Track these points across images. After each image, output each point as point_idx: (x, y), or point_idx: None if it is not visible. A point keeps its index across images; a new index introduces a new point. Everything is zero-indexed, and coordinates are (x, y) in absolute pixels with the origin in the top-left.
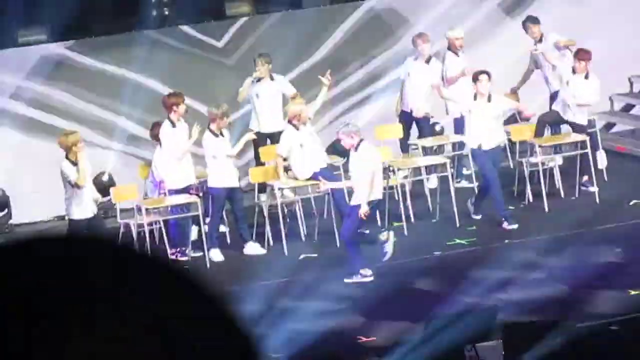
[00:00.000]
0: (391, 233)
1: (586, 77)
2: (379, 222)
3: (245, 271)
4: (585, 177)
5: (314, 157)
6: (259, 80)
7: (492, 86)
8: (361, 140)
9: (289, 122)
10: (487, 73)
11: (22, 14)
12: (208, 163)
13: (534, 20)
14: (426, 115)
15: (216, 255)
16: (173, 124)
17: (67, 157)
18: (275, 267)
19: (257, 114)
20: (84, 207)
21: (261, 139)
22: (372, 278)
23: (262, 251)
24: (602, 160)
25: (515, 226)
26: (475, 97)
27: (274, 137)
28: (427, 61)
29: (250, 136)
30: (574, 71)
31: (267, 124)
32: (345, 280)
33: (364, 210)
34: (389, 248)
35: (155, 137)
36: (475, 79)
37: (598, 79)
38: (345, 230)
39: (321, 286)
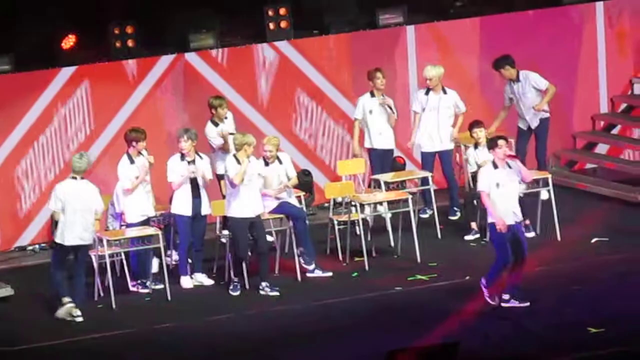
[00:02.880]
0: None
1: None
2: None
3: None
4: (527, 221)
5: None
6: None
7: None
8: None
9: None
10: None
11: None
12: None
13: (508, 62)
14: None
15: (186, 282)
16: (131, 160)
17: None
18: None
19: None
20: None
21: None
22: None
23: (209, 282)
24: (544, 194)
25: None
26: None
27: None
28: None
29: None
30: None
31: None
32: None
33: None
34: None
35: None
36: (494, 145)
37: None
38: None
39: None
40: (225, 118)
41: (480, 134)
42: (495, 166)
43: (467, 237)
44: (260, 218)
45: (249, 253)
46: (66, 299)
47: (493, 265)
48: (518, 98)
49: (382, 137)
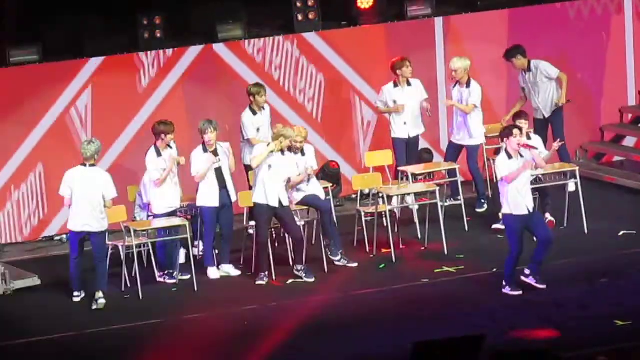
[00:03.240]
0: None
1: (528, 137)
2: None
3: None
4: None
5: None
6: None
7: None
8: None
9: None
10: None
11: (14, 33)
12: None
13: (520, 52)
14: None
15: (213, 273)
16: (158, 152)
17: None
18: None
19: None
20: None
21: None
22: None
23: (236, 272)
24: (571, 186)
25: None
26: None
27: None
28: (409, 84)
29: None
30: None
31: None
32: None
33: None
34: None
35: None
36: (508, 134)
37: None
38: None
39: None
40: (263, 108)
41: (525, 126)
42: (509, 156)
43: (495, 226)
44: (286, 208)
45: (276, 244)
46: (76, 293)
47: (507, 259)
48: (530, 87)
49: (406, 127)
